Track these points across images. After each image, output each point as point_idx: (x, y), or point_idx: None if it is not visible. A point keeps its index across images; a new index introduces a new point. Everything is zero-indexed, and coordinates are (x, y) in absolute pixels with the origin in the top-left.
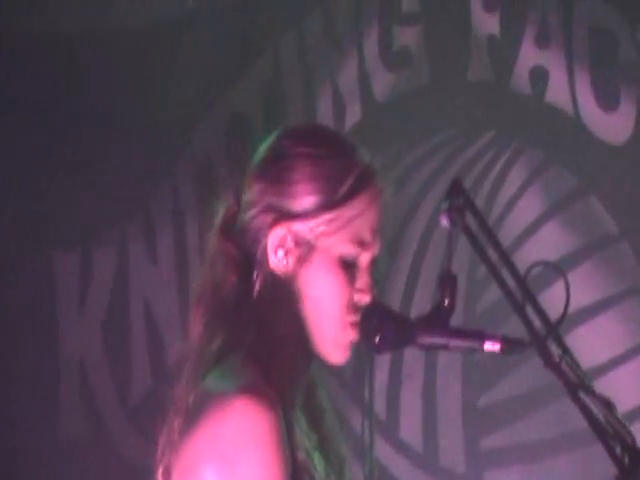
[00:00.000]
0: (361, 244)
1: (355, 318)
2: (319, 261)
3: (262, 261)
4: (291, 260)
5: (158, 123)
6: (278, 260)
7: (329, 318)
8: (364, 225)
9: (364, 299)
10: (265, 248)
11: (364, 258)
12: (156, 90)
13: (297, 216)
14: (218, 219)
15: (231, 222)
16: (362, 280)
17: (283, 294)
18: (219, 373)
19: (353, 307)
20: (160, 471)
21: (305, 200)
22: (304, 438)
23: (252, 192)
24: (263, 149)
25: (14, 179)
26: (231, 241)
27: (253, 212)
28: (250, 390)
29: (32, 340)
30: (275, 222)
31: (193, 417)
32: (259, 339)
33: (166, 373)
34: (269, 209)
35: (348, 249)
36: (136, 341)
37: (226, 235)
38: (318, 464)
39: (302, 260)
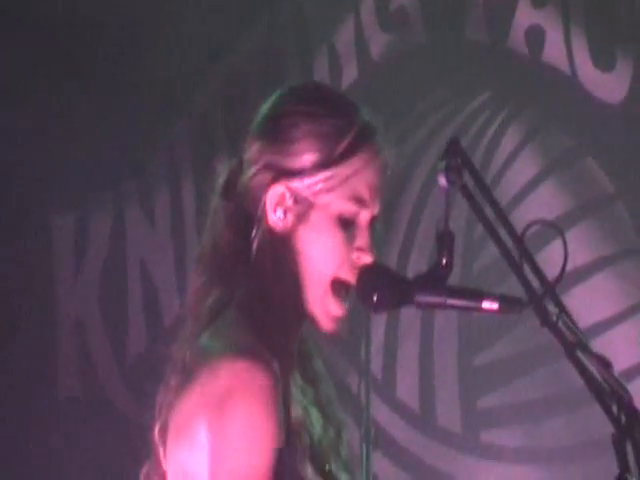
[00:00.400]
0: (360, 202)
1: (350, 277)
2: (317, 219)
3: (261, 219)
4: (290, 218)
5: (155, 84)
6: (277, 218)
7: (318, 279)
8: (363, 183)
9: (363, 258)
10: (264, 206)
11: (363, 217)
12: (152, 51)
13: (295, 173)
14: (220, 180)
15: (232, 182)
16: (361, 239)
17: (280, 251)
18: (214, 331)
19: (350, 265)
20: (157, 428)
21: (303, 158)
22: (300, 395)
23: (252, 151)
24: (264, 108)
25: (7, 144)
26: (231, 201)
27: (252, 170)
28: (243, 350)
29: (29, 303)
30: (274, 180)
31: (189, 375)
32: (253, 296)
33: (162, 333)
34: (268, 167)
35: (346, 207)
36: (133, 302)
37: (226, 195)
38: (316, 422)
39: (300, 218)
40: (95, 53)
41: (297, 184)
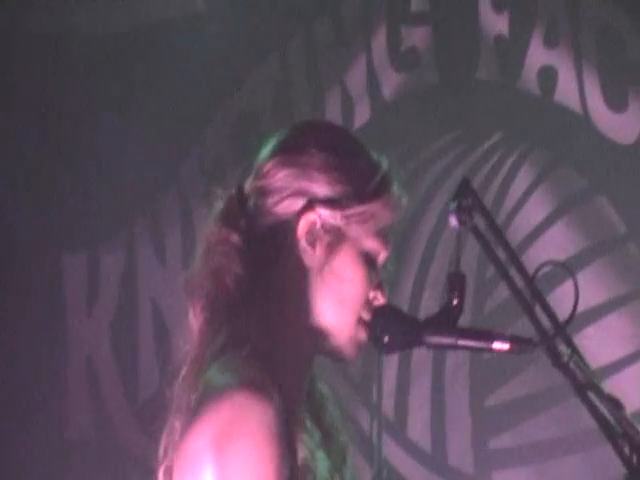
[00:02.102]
0: (384, 240)
1: (367, 316)
2: (347, 251)
3: (287, 246)
4: (318, 248)
5: (166, 124)
6: (307, 246)
7: (350, 309)
8: (386, 223)
9: (378, 299)
10: (292, 233)
11: (382, 257)
12: (164, 90)
13: (330, 202)
14: (217, 208)
15: (234, 211)
16: (377, 280)
17: (307, 282)
18: (221, 367)
19: (368, 305)
20: (162, 470)
21: (339, 188)
22: (307, 437)
23: (275, 178)
24: (284, 138)
25: (22, 182)
26: (234, 230)
27: (277, 197)
28: (250, 384)
29: (41, 341)
30: (306, 207)
31: (193, 413)
32: (267, 334)
33: (173, 373)
34: (299, 194)
35: (373, 244)
36: (144, 341)
37: (229, 224)
38: (321, 464)
39: (330, 248)
40: (107, 91)
41: (331, 213)
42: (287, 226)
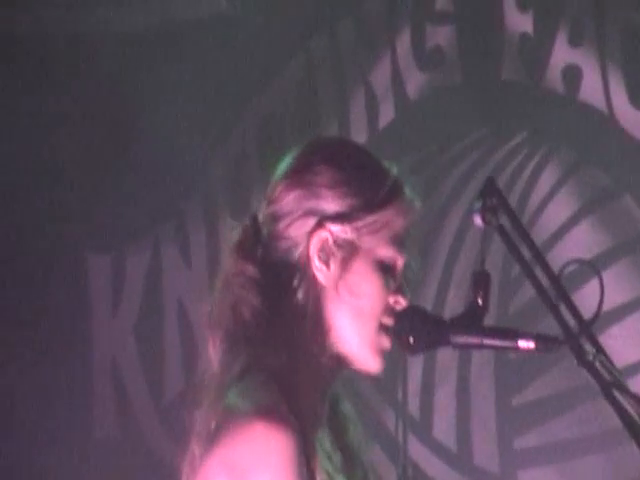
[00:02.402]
0: (399, 246)
1: (389, 321)
2: (361, 263)
3: (304, 267)
4: (333, 265)
5: (191, 126)
6: (321, 264)
7: (370, 320)
8: (400, 229)
9: (400, 303)
10: (307, 252)
11: (399, 262)
12: (189, 91)
13: (340, 217)
14: (232, 241)
15: (249, 241)
16: (397, 284)
17: (324, 301)
18: (239, 392)
19: (389, 310)
20: None
21: (347, 201)
22: (326, 461)
23: (284, 202)
24: (289, 162)
25: (50, 183)
26: (250, 261)
27: (288, 220)
28: (268, 412)
29: (66, 341)
30: (317, 225)
31: (212, 439)
32: (286, 358)
33: (199, 375)
34: (309, 213)
35: (387, 252)
36: (169, 342)
37: (244, 255)
38: (341, 475)
39: (344, 263)
40: (133, 98)
41: (341, 228)
42: (300, 248)
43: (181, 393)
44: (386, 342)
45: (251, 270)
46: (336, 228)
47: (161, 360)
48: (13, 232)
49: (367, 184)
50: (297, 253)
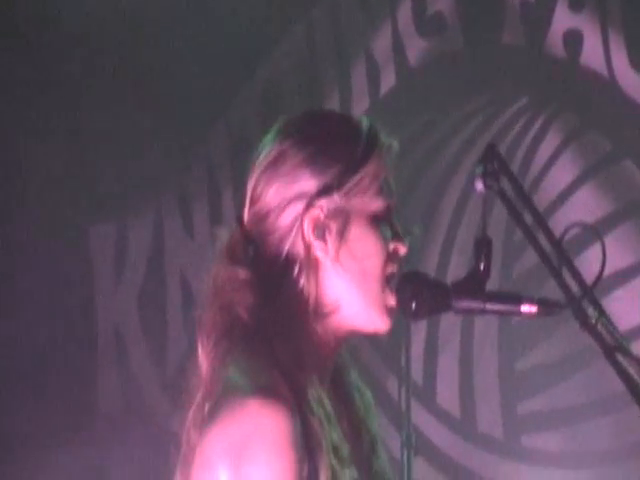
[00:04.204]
0: (387, 195)
1: (394, 269)
2: (356, 225)
3: (301, 252)
4: (330, 236)
5: (192, 97)
6: (318, 241)
7: (374, 281)
8: (382, 178)
9: (401, 248)
10: (302, 238)
11: (391, 206)
12: (189, 63)
13: (325, 190)
14: (223, 247)
15: (239, 245)
16: (394, 230)
17: (326, 276)
18: (238, 369)
19: (392, 258)
20: (179, 474)
21: (328, 173)
22: (332, 455)
23: (268, 197)
24: (263, 156)
25: (53, 155)
26: (241, 264)
27: (275, 214)
28: (266, 392)
29: (69, 313)
30: (307, 206)
31: (210, 416)
32: (291, 347)
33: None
34: (294, 200)
35: (377, 203)
36: (172, 313)
37: (234, 260)
38: (347, 466)
39: (341, 231)
40: (133, 71)
41: (329, 199)
42: (293, 234)
43: (183, 362)
44: (391, 300)
45: (243, 274)
46: (324, 201)
47: (164, 330)
48: (15, 203)
49: (342, 148)
50: (291, 241)
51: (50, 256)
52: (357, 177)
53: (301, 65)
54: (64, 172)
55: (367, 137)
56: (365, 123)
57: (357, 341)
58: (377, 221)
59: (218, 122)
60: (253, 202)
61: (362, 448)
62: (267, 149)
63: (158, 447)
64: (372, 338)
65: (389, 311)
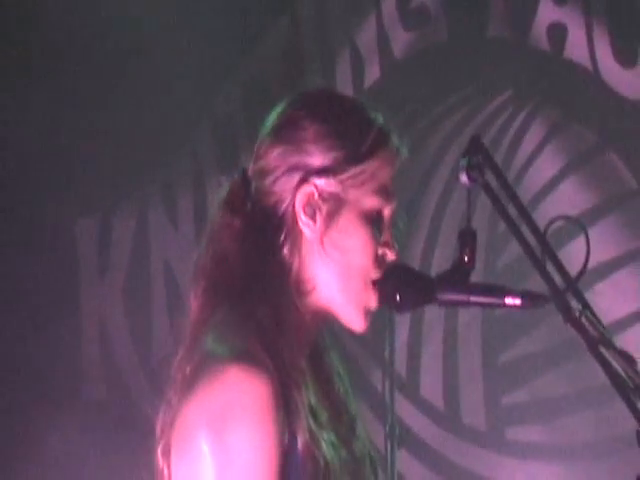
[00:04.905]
0: (385, 196)
1: (379, 274)
2: (347, 216)
3: (290, 222)
4: (319, 219)
5: (176, 91)
6: (307, 218)
7: (356, 276)
8: (386, 179)
9: (389, 254)
10: (292, 208)
11: (386, 212)
12: (174, 55)
13: (325, 171)
14: (221, 196)
15: (237, 196)
16: (386, 235)
17: (310, 255)
18: (217, 337)
19: (378, 262)
20: (159, 451)
21: (331, 155)
22: (309, 418)
23: (270, 158)
24: (274, 118)
25: (38, 147)
26: (238, 215)
27: (274, 176)
28: (244, 358)
29: (54, 304)
30: (302, 180)
31: (189, 385)
32: (268, 307)
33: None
34: (294, 169)
35: (374, 202)
36: (157, 304)
37: (232, 209)
38: (327, 443)
39: (331, 216)
40: (120, 60)
41: (326, 181)
42: (286, 203)
43: (168, 354)
44: (372, 301)
45: (238, 224)
46: (321, 182)
47: (149, 322)
48: (2, 196)
49: (352, 135)
50: (283, 208)
51: (35, 248)
52: (357, 169)
53: (286, 58)
54: (48, 166)
55: (377, 134)
56: (380, 119)
57: (340, 333)
58: (370, 220)
59: (203, 115)
60: (257, 159)
61: (342, 428)
62: (281, 111)
63: (140, 430)
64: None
65: (367, 312)
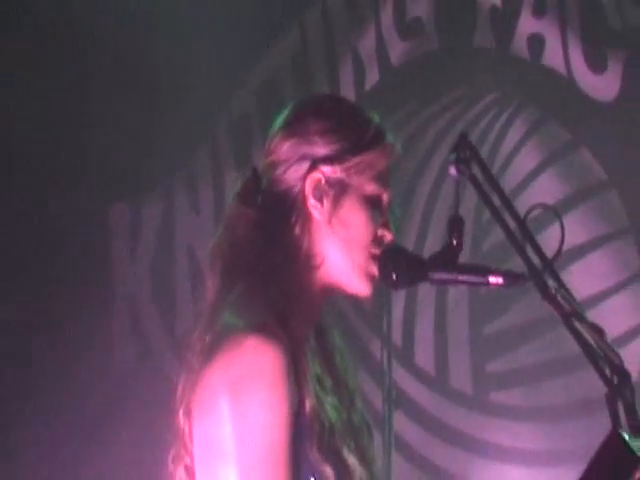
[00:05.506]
0: (384, 184)
1: (378, 251)
2: (351, 199)
3: (301, 206)
4: (326, 203)
5: (199, 90)
6: (315, 202)
7: (359, 248)
8: (382, 169)
9: (387, 235)
10: (303, 192)
11: (384, 198)
12: (194, 58)
13: (331, 159)
14: (235, 190)
15: (250, 190)
16: (384, 218)
17: (318, 233)
18: (234, 311)
19: (378, 241)
20: (181, 412)
21: (336, 146)
22: (316, 384)
23: (281, 151)
24: (284, 117)
25: (74, 140)
26: (251, 206)
27: (285, 167)
28: (260, 329)
29: (89, 281)
30: (311, 168)
31: (209, 354)
32: (280, 282)
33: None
34: (303, 158)
35: (373, 188)
36: (180, 282)
37: (245, 202)
38: (331, 408)
39: (337, 199)
40: (144, 60)
41: (332, 169)
42: (297, 189)
43: (190, 325)
44: (374, 269)
45: (252, 214)
46: (327, 169)
47: (173, 298)
48: (41, 184)
49: (353, 130)
50: (293, 194)
51: (73, 231)
52: (358, 159)
53: (295, 64)
54: (82, 156)
55: (375, 129)
56: (376, 118)
57: (344, 307)
58: (370, 203)
59: (221, 112)
60: (268, 154)
61: (342, 400)
62: (289, 112)
63: (166, 395)
64: (357, 307)
65: (371, 278)
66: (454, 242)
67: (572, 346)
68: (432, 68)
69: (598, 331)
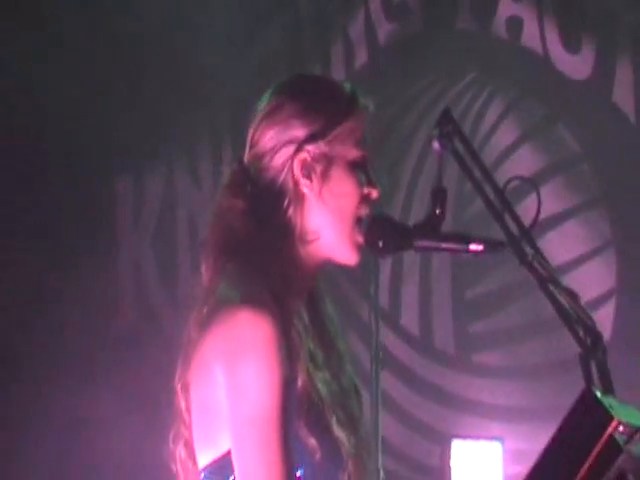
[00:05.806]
0: (362, 146)
1: (367, 211)
2: (337, 169)
3: (290, 187)
4: (315, 176)
5: (199, 71)
6: (305, 179)
7: (348, 218)
8: (360, 132)
9: (373, 192)
10: (291, 175)
11: (366, 157)
12: (198, 42)
13: (312, 137)
14: (223, 182)
15: (238, 181)
16: (368, 176)
17: (309, 208)
18: (229, 284)
19: (365, 200)
20: (179, 388)
21: (316, 124)
22: (307, 359)
23: (265, 141)
24: (261, 108)
25: (84, 116)
26: (240, 197)
27: (270, 155)
28: (254, 301)
29: (95, 248)
30: (297, 150)
31: (205, 325)
32: (276, 263)
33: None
34: (287, 143)
35: (355, 152)
36: (181, 251)
37: (234, 193)
38: (322, 383)
39: (324, 172)
40: (144, 42)
41: (315, 145)
42: (285, 173)
43: (190, 290)
44: (359, 238)
45: (241, 204)
46: (311, 147)
47: (174, 265)
48: (48, 156)
49: (328, 105)
50: (282, 178)
51: (80, 201)
52: (339, 129)
53: (290, 45)
54: (90, 131)
55: (348, 98)
56: (348, 87)
57: (335, 274)
58: (354, 167)
59: (220, 91)
60: (252, 145)
61: (333, 365)
62: (266, 102)
63: (167, 351)
64: (347, 272)
65: (358, 247)
66: (437, 212)
67: (548, 309)
68: (417, 48)
69: (572, 295)
